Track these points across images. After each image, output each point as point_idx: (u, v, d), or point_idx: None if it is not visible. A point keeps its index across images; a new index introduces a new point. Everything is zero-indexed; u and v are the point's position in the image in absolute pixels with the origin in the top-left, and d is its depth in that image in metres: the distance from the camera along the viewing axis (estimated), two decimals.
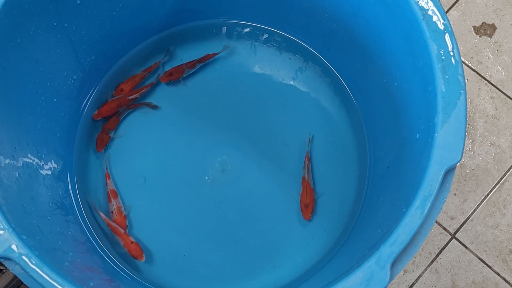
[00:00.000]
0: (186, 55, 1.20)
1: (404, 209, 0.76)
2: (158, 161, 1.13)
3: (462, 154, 0.76)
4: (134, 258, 1.04)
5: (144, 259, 1.04)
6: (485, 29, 1.41)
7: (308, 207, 1.08)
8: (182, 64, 1.17)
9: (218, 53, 1.18)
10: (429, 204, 0.74)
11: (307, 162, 1.10)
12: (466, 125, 0.77)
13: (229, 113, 1.16)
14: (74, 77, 1.06)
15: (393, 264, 0.73)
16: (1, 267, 1.10)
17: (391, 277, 0.72)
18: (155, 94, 1.17)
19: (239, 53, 1.21)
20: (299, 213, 1.09)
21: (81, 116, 1.13)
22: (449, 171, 0.77)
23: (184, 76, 1.17)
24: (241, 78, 1.19)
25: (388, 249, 0.73)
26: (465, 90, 0.78)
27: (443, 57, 0.79)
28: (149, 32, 1.18)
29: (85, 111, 1.14)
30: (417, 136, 0.84)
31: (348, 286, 0.72)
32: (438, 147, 0.76)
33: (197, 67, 1.17)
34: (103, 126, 1.13)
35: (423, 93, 0.82)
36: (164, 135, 1.14)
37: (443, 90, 0.78)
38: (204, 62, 1.18)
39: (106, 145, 1.12)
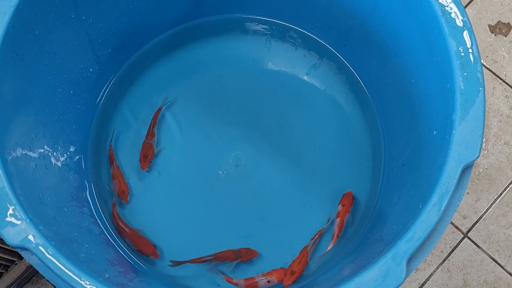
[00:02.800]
0: (201, 50, 1.20)
1: (420, 206, 0.76)
2: (172, 155, 1.13)
3: (480, 151, 0.76)
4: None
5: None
6: (501, 28, 1.41)
7: (294, 275, 1.03)
8: (144, 142, 1.12)
9: (160, 108, 1.15)
10: (446, 201, 0.74)
11: (317, 236, 1.06)
12: (484, 122, 0.77)
13: (244, 109, 1.16)
14: (91, 70, 1.07)
15: (409, 261, 0.74)
16: (14, 259, 1.11)
17: (407, 274, 0.72)
18: (170, 89, 1.18)
19: (254, 49, 1.21)
20: (312, 208, 1.10)
21: (97, 108, 1.14)
22: (467, 169, 0.77)
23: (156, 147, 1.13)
24: (255, 74, 1.19)
25: (405, 246, 0.73)
26: (483, 87, 0.78)
27: (462, 54, 0.79)
28: (165, 26, 1.18)
29: (101, 103, 1.14)
30: (434, 133, 0.84)
31: (364, 282, 0.72)
32: (456, 144, 0.76)
33: (155, 132, 1.14)
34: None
35: (441, 90, 0.82)
36: (179, 130, 1.15)
37: (462, 87, 0.78)
38: (156, 123, 1.14)
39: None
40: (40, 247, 0.73)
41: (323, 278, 0.97)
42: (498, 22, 1.41)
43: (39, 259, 0.73)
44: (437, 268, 1.25)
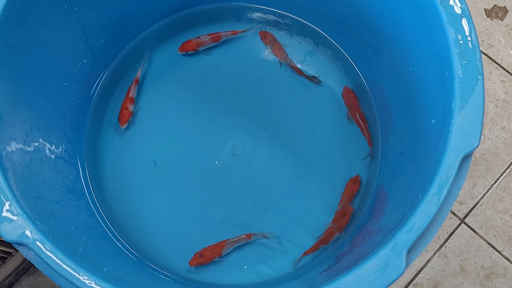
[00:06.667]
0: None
1: (420, 196, 0.75)
2: (168, 145, 1.13)
3: (479, 140, 0.75)
4: (117, 120, 1.11)
5: (123, 126, 1.11)
6: (497, 12, 1.40)
7: (202, 258, 1.03)
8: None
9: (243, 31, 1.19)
10: (445, 191, 0.74)
11: (244, 237, 1.06)
12: (483, 110, 0.76)
13: (240, 98, 1.16)
14: (84, 61, 1.06)
15: (409, 251, 0.73)
16: (11, 250, 1.11)
17: (407, 264, 0.72)
18: (166, 78, 1.17)
19: (249, 37, 1.19)
20: (309, 198, 1.09)
21: (91, 100, 1.13)
22: (466, 158, 0.76)
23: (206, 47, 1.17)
24: (251, 62, 1.18)
25: (404, 236, 0.72)
26: (482, 75, 0.77)
27: (461, 42, 0.78)
28: (159, 15, 1.17)
29: (95, 95, 1.13)
30: (432, 122, 0.83)
31: (364, 273, 0.71)
32: (455, 133, 0.75)
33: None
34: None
35: (439, 78, 0.81)
36: (175, 120, 1.14)
37: (461, 75, 0.77)
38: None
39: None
40: (38, 243, 0.72)
41: (320, 269, 0.97)
42: (494, 6, 1.40)
43: (37, 254, 0.73)
44: (434, 254, 1.25)
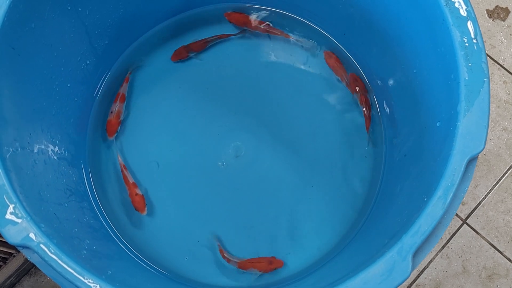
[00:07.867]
0: (198, 39, 1.18)
1: (425, 199, 0.75)
2: (171, 146, 1.12)
3: (485, 143, 0.75)
4: (136, 210, 1.06)
5: (145, 212, 1.06)
6: (499, 13, 1.40)
7: None
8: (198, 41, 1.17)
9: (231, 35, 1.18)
10: (451, 194, 0.73)
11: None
12: (489, 113, 0.76)
13: (243, 99, 1.15)
14: (88, 62, 1.05)
15: (414, 255, 0.73)
16: (12, 251, 1.10)
17: (412, 268, 0.72)
18: (168, 79, 1.17)
19: (253, 38, 1.19)
20: (313, 199, 1.09)
21: (94, 101, 1.13)
22: (471, 161, 0.76)
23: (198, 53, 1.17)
24: (255, 63, 1.17)
25: (410, 240, 0.72)
26: (488, 78, 0.77)
27: (466, 44, 0.78)
28: (162, 17, 1.17)
29: (98, 96, 1.13)
30: (437, 125, 0.83)
31: (369, 277, 0.71)
32: (461, 136, 0.75)
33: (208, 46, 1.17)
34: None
35: (444, 81, 0.81)
36: (178, 121, 1.14)
37: (466, 78, 0.77)
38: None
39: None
40: (42, 246, 0.72)
41: (325, 271, 0.97)
42: (496, 6, 1.40)
43: (41, 257, 0.72)
44: (436, 254, 1.25)
